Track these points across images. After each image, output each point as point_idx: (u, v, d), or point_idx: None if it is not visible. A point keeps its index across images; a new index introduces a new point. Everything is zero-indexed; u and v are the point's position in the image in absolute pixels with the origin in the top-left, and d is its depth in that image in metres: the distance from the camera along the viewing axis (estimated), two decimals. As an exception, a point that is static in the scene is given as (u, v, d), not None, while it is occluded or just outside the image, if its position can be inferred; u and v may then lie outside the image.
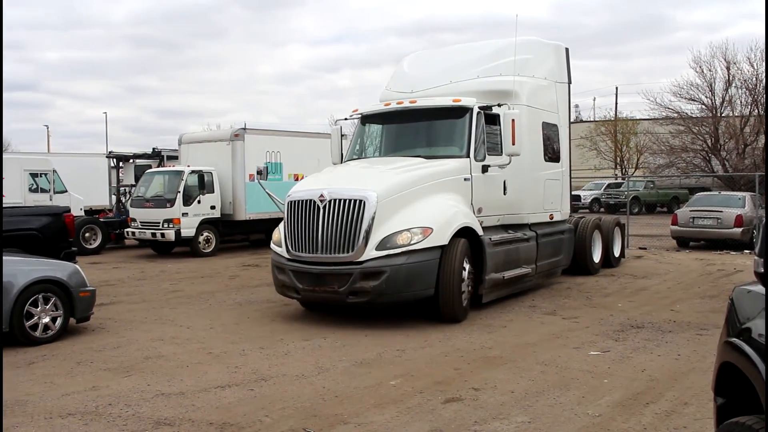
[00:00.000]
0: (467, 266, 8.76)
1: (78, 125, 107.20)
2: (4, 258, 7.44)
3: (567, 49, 12.41)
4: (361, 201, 8.25)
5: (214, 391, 5.91)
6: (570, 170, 12.63)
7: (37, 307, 7.69)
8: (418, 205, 8.56)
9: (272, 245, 9.31)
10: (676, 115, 34.05)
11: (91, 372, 6.63)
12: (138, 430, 5.06)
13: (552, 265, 11.50)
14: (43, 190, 21.89)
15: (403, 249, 8.14)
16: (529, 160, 10.60)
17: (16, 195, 19.70)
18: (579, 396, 5.64)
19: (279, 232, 9.09)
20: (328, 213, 8.36)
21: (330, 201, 8.37)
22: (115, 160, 21.27)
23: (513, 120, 9.53)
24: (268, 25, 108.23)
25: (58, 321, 7.90)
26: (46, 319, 7.77)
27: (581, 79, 46.73)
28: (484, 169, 9.63)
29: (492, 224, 10.01)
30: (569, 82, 12.54)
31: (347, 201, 8.31)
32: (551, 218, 11.56)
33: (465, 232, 8.83)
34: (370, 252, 8.15)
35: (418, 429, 4.95)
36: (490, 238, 9.49)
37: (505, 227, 10.43)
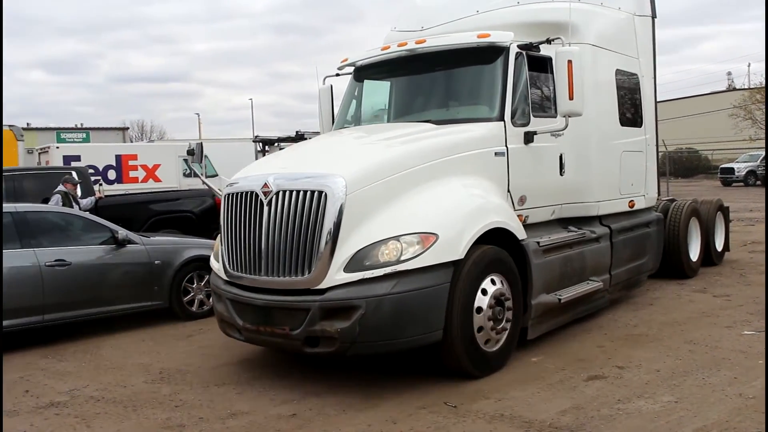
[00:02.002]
0: (499, 288, 5.61)
1: (226, 112, 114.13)
2: (162, 237, 8.94)
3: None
4: (320, 192, 5.21)
5: None
6: (657, 138, 9.12)
7: (193, 284, 8.30)
8: (416, 196, 5.42)
9: (211, 259, 6.41)
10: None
11: (241, 346, 6.47)
12: (288, 399, 5.22)
13: (633, 272, 8.10)
14: (195, 175, 21.22)
15: (388, 269, 5.03)
16: (596, 124, 7.26)
17: (172, 180, 20.52)
18: (731, 377, 5.35)
19: (218, 241, 6.17)
20: (274, 212, 5.34)
21: (277, 193, 5.35)
22: (261, 144, 21.04)
23: (570, 63, 6.22)
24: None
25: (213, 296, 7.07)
26: (201, 295, 8.37)
27: (734, 44, 44.04)
28: (528, 137, 6.37)
29: (542, 219, 6.78)
30: (653, 16, 9.00)
31: (301, 193, 5.27)
32: (631, 206, 8.14)
33: (496, 235, 5.66)
34: (336, 274, 5.09)
35: (559, 405, 4.89)
36: (539, 243, 6.26)
37: (563, 222, 7.16)
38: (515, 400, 5.00)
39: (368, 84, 7.52)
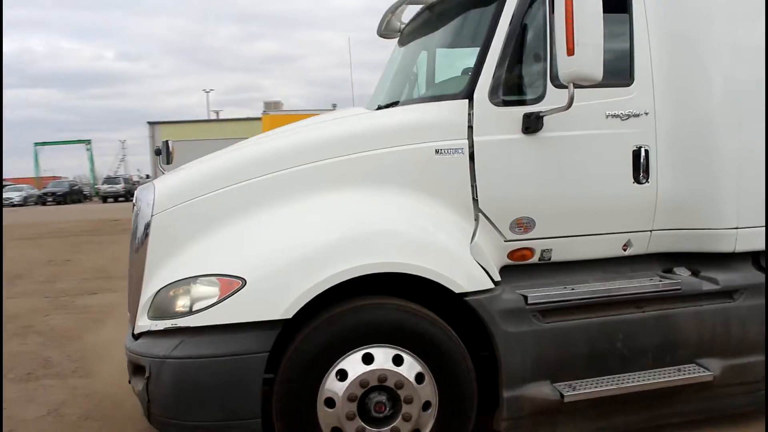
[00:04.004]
0: (380, 369, 3.52)
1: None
2: None
3: None
4: (137, 213, 3.99)
5: None
6: None
7: None
8: (254, 219, 3.71)
9: None
10: None
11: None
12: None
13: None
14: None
15: (171, 323, 3.56)
16: (728, 95, 4.11)
17: None
18: None
19: None
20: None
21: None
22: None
23: None
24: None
25: None
26: None
27: None
28: (531, 123, 3.86)
29: (598, 255, 4.19)
30: None
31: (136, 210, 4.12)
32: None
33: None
34: (140, 318, 3.79)
35: None
36: (525, 298, 3.80)
37: (669, 260, 4.30)
38: None
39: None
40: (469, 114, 3.85)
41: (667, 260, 4.35)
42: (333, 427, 3.53)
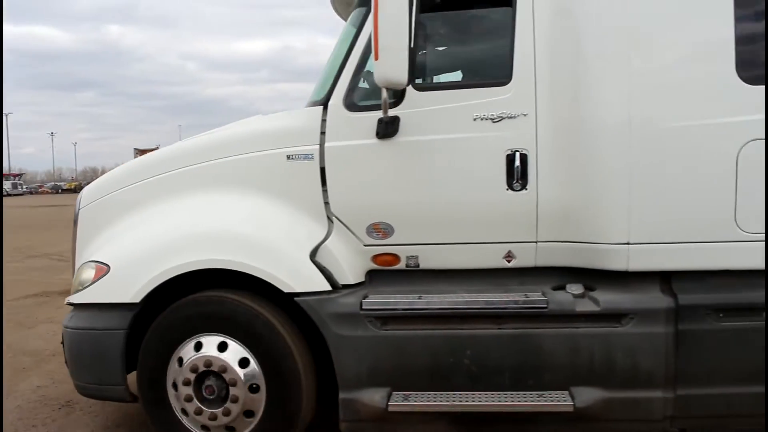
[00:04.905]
0: (208, 356, 3.87)
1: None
2: None
3: None
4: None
5: None
6: None
7: None
8: (145, 214, 4.25)
9: None
10: None
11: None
12: None
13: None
14: None
15: (69, 299, 4.27)
16: (636, 84, 3.61)
17: None
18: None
19: None
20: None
21: None
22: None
23: None
24: None
25: None
26: None
27: None
28: (386, 127, 3.82)
29: (480, 265, 4.02)
30: None
31: None
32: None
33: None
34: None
35: None
36: (361, 302, 3.82)
37: (572, 276, 3.96)
38: None
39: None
40: (322, 120, 3.95)
41: (569, 275, 3.95)
42: (181, 409, 3.98)
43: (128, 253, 4.08)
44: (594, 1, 3.66)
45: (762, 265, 3.60)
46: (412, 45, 3.56)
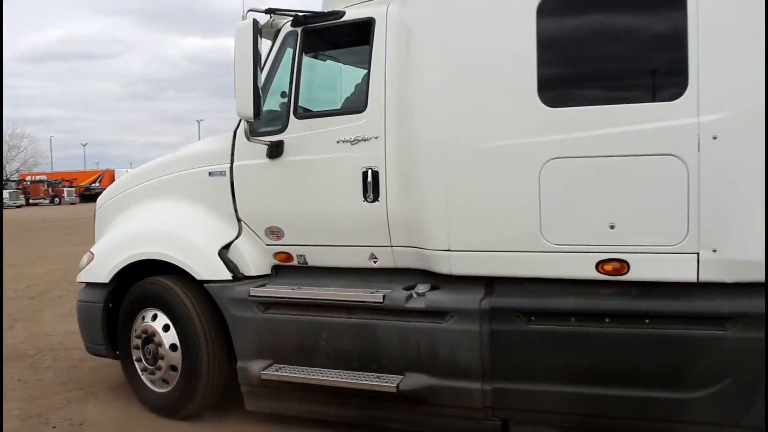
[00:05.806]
0: (147, 324, 5.08)
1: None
2: None
3: None
4: None
5: None
6: None
7: None
8: (130, 214, 5.54)
9: None
10: None
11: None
12: None
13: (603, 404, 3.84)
14: None
15: (77, 277, 5.72)
16: (435, 110, 4.17)
17: None
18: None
19: None
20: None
21: None
22: None
23: None
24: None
25: None
26: None
27: None
28: (273, 150, 4.69)
29: (352, 264, 4.78)
30: None
31: None
32: (613, 271, 3.78)
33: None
34: None
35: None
36: (249, 290, 4.75)
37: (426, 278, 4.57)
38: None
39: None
40: (232, 144, 4.92)
41: (430, 277, 4.48)
42: (140, 367, 5.22)
43: (105, 246, 5.44)
44: (421, 36, 4.19)
45: (565, 275, 3.91)
46: (262, 86, 4.43)
